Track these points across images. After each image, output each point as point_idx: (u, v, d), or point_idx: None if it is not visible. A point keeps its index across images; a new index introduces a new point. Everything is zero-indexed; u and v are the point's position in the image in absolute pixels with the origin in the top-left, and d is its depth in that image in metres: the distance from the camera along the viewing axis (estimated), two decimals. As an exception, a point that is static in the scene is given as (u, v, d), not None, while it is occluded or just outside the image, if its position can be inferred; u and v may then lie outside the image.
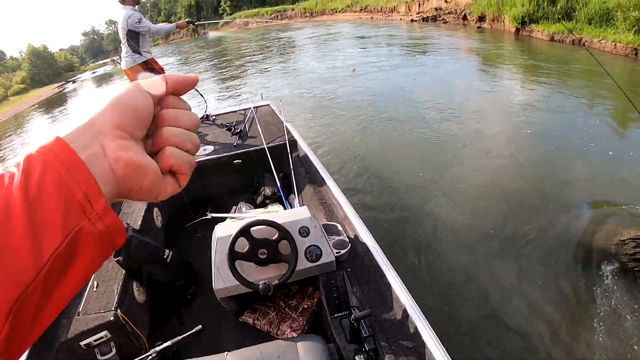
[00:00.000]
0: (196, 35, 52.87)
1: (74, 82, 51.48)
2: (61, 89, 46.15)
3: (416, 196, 5.15)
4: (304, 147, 4.02)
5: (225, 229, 2.39)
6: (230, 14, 60.77)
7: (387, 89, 10.09)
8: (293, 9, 46.89)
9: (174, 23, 5.70)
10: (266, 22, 47.72)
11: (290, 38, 28.34)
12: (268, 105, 5.59)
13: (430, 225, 4.57)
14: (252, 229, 2.24)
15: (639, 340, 3.02)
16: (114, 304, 2.53)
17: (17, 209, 0.35)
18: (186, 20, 5.99)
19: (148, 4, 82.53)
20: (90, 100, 25.44)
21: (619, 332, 3.11)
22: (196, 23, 6.58)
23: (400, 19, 26.65)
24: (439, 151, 6.25)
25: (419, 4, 25.75)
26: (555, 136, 6.24)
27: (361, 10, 34.77)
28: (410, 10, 26.63)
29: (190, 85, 0.51)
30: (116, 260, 2.83)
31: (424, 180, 5.50)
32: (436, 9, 23.36)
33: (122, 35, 5.34)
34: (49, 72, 66.02)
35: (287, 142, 4.17)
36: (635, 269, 3.49)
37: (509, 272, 3.79)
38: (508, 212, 4.62)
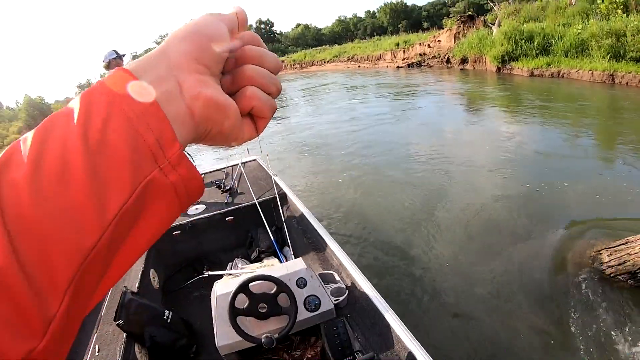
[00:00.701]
0: None
1: None
2: None
3: (408, 236, 5.17)
4: (293, 199, 4.08)
5: (224, 286, 2.43)
6: None
7: (377, 135, 10.13)
8: (283, 61, 47.37)
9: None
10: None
11: (282, 92, 28.78)
12: (255, 160, 5.65)
13: (424, 263, 4.59)
14: (250, 284, 2.26)
15: (613, 339, 3.15)
16: None
17: (76, 160, 0.30)
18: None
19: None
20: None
21: (595, 334, 3.25)
22: None
23: (387, 66, 27.28)
24: (428, 191, 6.30)
25: (404, 50, 26.50)
26: (538, 167, 6.43)
27: (348, 59, 35.63)
28: (395, 57, 27.36)
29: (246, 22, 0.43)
30: (117, 324, 2.78)
31: (415, 220, 5.52)
32: (420, 55, 23.92)
33: None
34: None
35: (276, 195, 4.18)
36: (610, 275, 3.69)
37: (501, 301, 3.85)
38: (495, 242, 4.71)
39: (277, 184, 4.40)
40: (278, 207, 4.09)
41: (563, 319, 3.43)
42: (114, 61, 5.52)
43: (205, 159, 12.69)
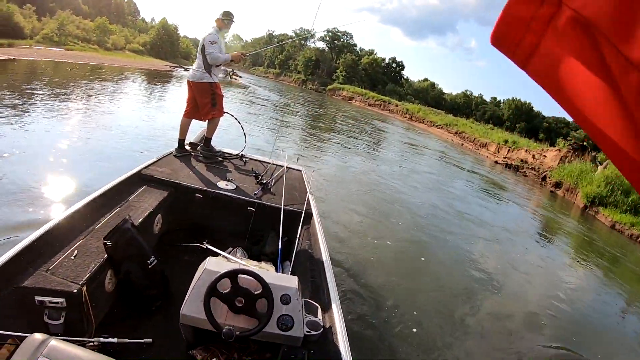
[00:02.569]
0: (230, 78, 48.70)
1: (185, 69, 54.11)
2: (172, 69, 48.22)
3: (411, 315, 5.16)
4: (317, 223, 4.13)
5: (216, 264, 2.45)
6: (342, 83, 63.32)
7: (443, 216, 9.90)
8: (397, 105, 48.10)
9: (231, 54, 5.59)
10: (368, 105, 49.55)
11: (383, 130, 29.19)
12: (300, 171, 5.78)
13: (412, 345, 4.64)
14: (240, 275, 2.31)
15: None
16: (83, 280, 2.57)
17: None
18: (241, 52, 6.02)
19: (276, 39, 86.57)
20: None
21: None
22: (247, 55, 6.44)
23: (487, 156, 27.36)
24: (467, 299, 6.12)
25: (509, 149, 26.60)
26: (585, 320, 6.50)
27: (456, 133, 35.51)
28: (498, 152, 27.47)
29: None
30: (104, 243, 2.90)
31: (423, 316, 5.33)
32: (522, 160, 24.03)
33: (199, 49, 5.48)
34: (168, 49, 68.65)
35: (303, 211, 4.23)
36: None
37: None
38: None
39: (309, 202, 4.50)
40: (299, 222, 4.08)
41: None
42: (220, 21, 5.57)
43: (251, 140, 13.04)
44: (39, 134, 9.38)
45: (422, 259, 7.01)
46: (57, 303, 2.45)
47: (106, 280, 2.90)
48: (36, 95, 13.76)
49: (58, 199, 6.26)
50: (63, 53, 37.56)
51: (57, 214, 3.15)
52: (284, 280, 2.45)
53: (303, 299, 2.55)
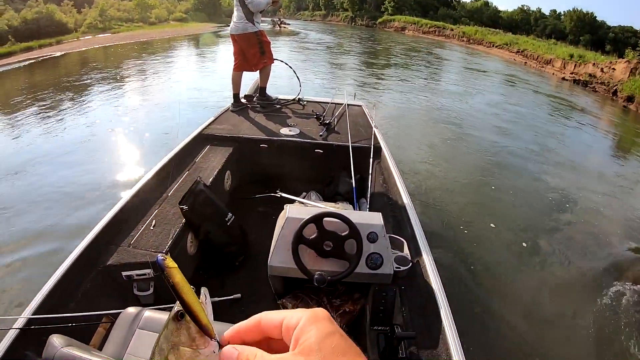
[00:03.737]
0: (278, 27, 47.46)
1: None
2: (219, 29, 48.53)
3: (495, 242, 5.21)
4: (387, 156, 4.04)
5: (297, 211, 2.41)
6: (391, 15, 61.65)
7: (509, 138, 9.69)
8: (452, 29, 46.51)
9: None
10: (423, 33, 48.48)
11: (439, 56, 28.67)
12: (360, 106, 5.69)
13: (498, 269, 4.69)
14: (325, 218, 2.26)
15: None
16: (166, 247, 2.65)
17: None
18: None
19: None
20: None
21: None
22: None
23: (553, 73, 26.49)
24: (538, 211, 6.20)
25: (575, 64, 25.73)
26: None
27: (517, 52, 34.33)
28: (564, 68, 26.55)
29: None
30: (180, 208, 2.95)
31: (512, 231, 5.49)
32: (590, 75, 23.29)
33: (236, 1, 5.35)
34: (210, 11, 68.71)
35: (372, 146, 4.14)
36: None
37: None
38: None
39: (375, 136, 4.41)
40: (369, 158, 4.01)
41: None
42: None
43: (311, 85, 13.31)
44: (107, 116, 10.14)
45: (498, 186, 6.90)
46: (144, 275, 2.56)
47: (188, 243, 3.00)
48: (98, 80, 14.90)
49: (130, 172, 6.71)
50: (111, 37, 38.70)
51: (130, 187, 3.28)
52: (369, 218, 2.40)
53: (387, 234, 2.45)
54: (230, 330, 0.49)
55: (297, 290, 2.75)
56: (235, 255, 3.32)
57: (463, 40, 43.29)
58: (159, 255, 0.45)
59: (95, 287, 2.46)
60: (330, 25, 66.09)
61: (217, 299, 2.75)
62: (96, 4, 50.57)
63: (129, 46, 29.35)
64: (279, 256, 2.35)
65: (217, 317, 1.77)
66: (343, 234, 2.26)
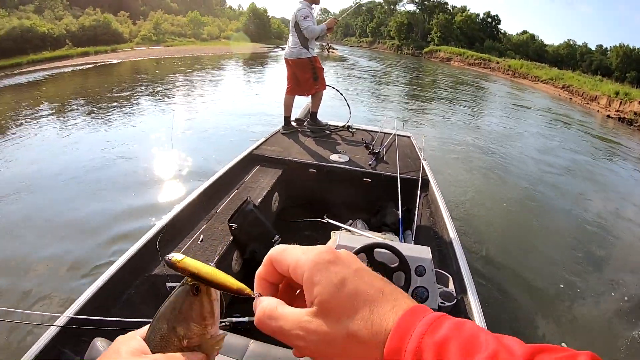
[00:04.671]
0: (327, 52, 48.70)
1: (282, 49, 55.61)
2: (269, 50, 50.02)
3: (540, 284, 4.99)
4: (435, 189, 4.00)
5: (347, 239, 2.39)
6: (437, 45, 62.50)
7: (552, 178, 9.40)
8: (498, 62, 46.72)
9: (325, 23, 5.62)
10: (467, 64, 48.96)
11: (485, 90, 28.71)
12: (409, 137, 5.69)
13: (543, 312, 4.48)
14: (375, 249, 2.23)
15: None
16: (212, 263, 2.63)
17: None
18: (333, 17, 6.09)
19: (364, 7, 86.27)
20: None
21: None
22: (338, 19, 6.40)
23: (598, 110, 26.20)
24: (584, 252, 5.91)
25: (621, 102, 25.46)
26: None
27: (563, 87, 34.03)
28: (609, 106, 26.31)
29: None
30: (229, 225, 2.97)
31: (558, 274, 5.25)
32: (635, 113, 23.06)
33: (291, 26, 5.47)
34: (261, 32, 70.28)
35: (420, 178, 4.12)
36: None
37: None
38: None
39: (423, 168, 4.35)
40: (417, 189, 4.00)
41: None
42: None
43: (359, 113, 12.90)
44: (163, 122, 10.50)
45: (543, 227, 6.69)
46: None
47: (233, 261, 3.00)
48: (151, 89, 15.80)
49: (180, 185, 6.80)
50: (164, 50, 40.67)
51: (181, 201, 3.33)
52: (418, 252, 2.37)
53: (434, 269, 2.42)
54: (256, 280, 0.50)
55: None
56: None
57: (508, 74, 43.41)
58: (166, 257, 0.47)
59: (138, 294, 2.52)
60: (376, 52, 67.27)
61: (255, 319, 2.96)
62: (151, 17, 53.26)
63: (180, 60, 30.70)
64: None
65: (254, 337, 1.96)
66: (392, 266, 2.21)
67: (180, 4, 72.52)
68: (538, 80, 38.53)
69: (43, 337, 1.93)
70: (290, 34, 5.55)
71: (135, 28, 49.43)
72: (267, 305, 0.44)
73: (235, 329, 2.37)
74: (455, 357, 0.33)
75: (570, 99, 31.31)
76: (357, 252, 2.14)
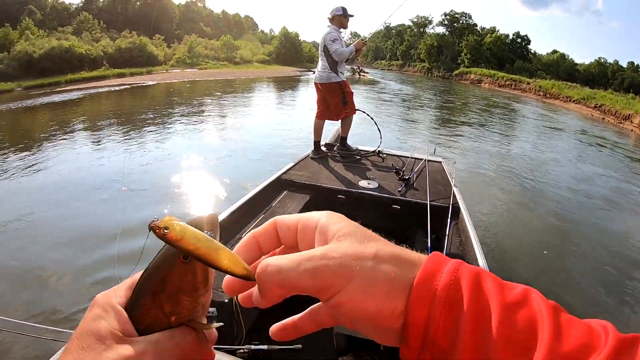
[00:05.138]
0: (358, 75, 47.98)
1: (314, 72, 55.99)
2: (301, 74, 50.49)
3: None
4: (466, 217, 3.92)
5: None
6: (467, 67, 62.85)
7: (592, 209, 9.00)
8: (529, 83, 46.66)
9: (353, 44, 5.64)
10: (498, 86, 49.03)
11: (517, 112, 28.63)
12: (440, 162, 5.57)
13: None
14: None
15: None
16: None
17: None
18: (361, 39, 6.02)
19: (394, 31, 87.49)
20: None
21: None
22: (366, 41, 6.38)
23: (632, 129, 25.83)
24: (623, 294, 5.47)
25: None
26: None
27: (595, 107, 33.59)
28: None
29: None
30: None
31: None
32: None
33: (320, 50, 5.50)
34: (292, 55, 71.61)
35: (450, 206, 4.02)
36: None
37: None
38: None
39: (454, 195, 4.28)
40: (447, 217, 3.88)
41: None
42: (338, 17, 5.54)
43: (389, 137, 12.42)
44: (193, 144, 10.84)
45: (579, 258, 6.40)
46: (209, 313, 2.36)
47: None
48: (185, 111, 16.44)
49: (207, 206, 6.84)
50: (198, 72, 42.18)
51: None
52: None
53: None
54: (247, 235, 0.46)
55: (362, 351, 2.69)
56: (303, 301, 3.03)
57: (539, 95, 43.22)
58: (152, 221, 0.38)
59: None
60: (407, 75, 67.68)
61: (277, 347, 2.66)
62: (185, 40, 55.26)
63: (213, 83, 31.62)
64: None
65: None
66: None
67: (214, 28, 74.90)
68: (570, 101, 38.14)
69: (59, 352, 1.87)
70: (319, 58, 5.60)
71: (170, 51, 51.42)
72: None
73: (253, 356, 2.42)
74: (492, 287, 0.35)
75: (603, 118, 30.94)
76: None
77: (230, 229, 3.36)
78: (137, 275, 0.44)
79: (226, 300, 2.47)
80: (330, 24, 5.53)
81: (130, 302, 0.43)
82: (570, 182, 10.83)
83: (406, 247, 0.38)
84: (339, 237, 0.38)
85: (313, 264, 0.36)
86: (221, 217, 3.38)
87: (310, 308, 0.46)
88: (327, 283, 0.36)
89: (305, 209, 3.97)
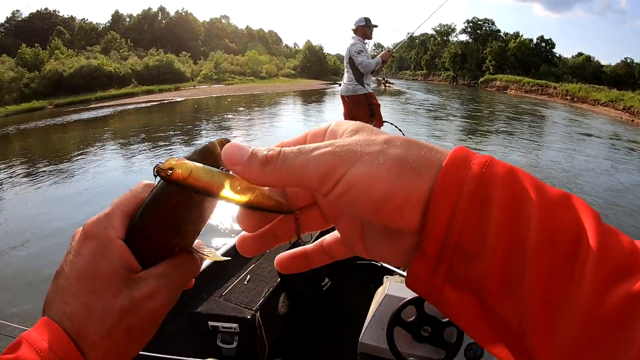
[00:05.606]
0: (383, 87, 47.57)
1: (339, 85, 56.34)
2: (327, 86, 50.77)
3: None
4: None
5: (397, 288, 2.28)
6: (493, 74, 62.61)
7: (621, 214, 8.90)
8: (555, 88, 46.21)
9: (379, 56, 5.54)
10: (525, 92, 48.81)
11: (544, 118, 28.53)
12: None
13: None
14: (426, 302, 2.06)
15: None
16: (257, 305, 2.58)
17: None
18: (388, 49, 6.01)
19: (417, 40, 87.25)
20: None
21: None
22: (393, 51, 6.29)
23: None
24: None
25: None
26: None
27: (623, 109, 32.91)
28: None
29: None
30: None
31: None
32: None
33: (346, 62, 5.43)
34: (317, 69, 72.40)
35: None
36: None
37: None
38: None
39: None
40: None
41: None
42: (362, 28, 5.49)
43: None
44: None
45: None
46: (230, 328, 2.50)
47: (279, 303, 2.89)
48: (213, 126, 17.07)
49: (229, 223, 6.87)
50: (225, 88, 43.23)
51: (229, 239, 3.03)
52: None
53: None
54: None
55: None
56: (326, 321, 3.16)
57: (567, 99, 42.51)
58: (158, 164, 0.36)
59: (178, 331, 2.49)
60: (432, 84, 67.53)
61: None
62: (211, 57, 56.72)
63: (240, 97, 32.29)
64: (372, 334, 2.26)
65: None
66: (444, 320, 2.09)
67: (239, 43, 76.49)
68: (597, 104, 37.41)
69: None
70: (345, 71, 5.57)
71: (197, 67, 53.04)
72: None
73: None
74: (530, 183, 0.30)
75: (632, 120, 30.27)
76: (407, 304, 2.09)
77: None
78: (126, 201, 0.43)
79: (249, 317, 2.49)
80: (354, 35, 5.54)
81: (129, 233, 0.42)
82: (609, 195, 10.30)
83: None
84: (349, 133, 0.36)
85: (318, 151, 0.33)
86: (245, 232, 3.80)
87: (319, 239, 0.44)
88: (331, 167, 0.32)
89: None
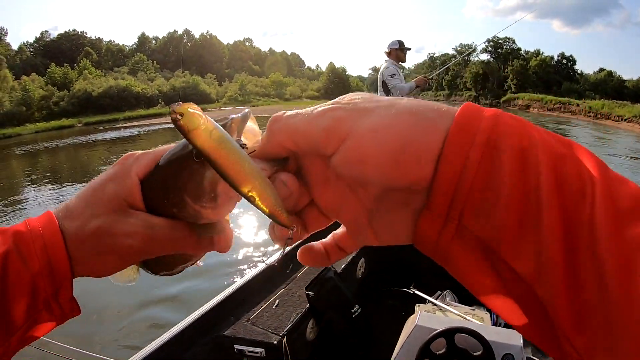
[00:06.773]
0: None
1: None
2: None
3: None
4: None
5: (428, 318, 2.19)
6: (515, 92, 62.77)
7: None
8: (578, 105, 45.91)
9: (414, 80, 5.46)
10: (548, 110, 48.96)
11: (567, 135, 27.39)
12: None
13: None
14: (457, 333, 1.98)
15: None
16: (285, 330, 2.57)
17: None
18: (423, 75, 5.84)
19: (438, 60, 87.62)
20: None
21: None
22: (429, 77, 6.16)
23: None
24: None
25: None
26: None
27: None
28: None
29: None
30: (306, 293, 2.84)
31: None
32: None
33: (379, 85, 5.38)
34: (341, 90, 69.20)
35: None
36: None
37: None
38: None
39: None
40: None
41: None
42: (395, 51, 5.47)
43: None
44: None
45: None
46: (256, 353, 2.51)
47: (307, 329, 2.86)
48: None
49: (258, 247, 6.95)
50: (251, 110, 44.74)
51: (259, 264, 3.15)
52: (506, 336, 2.00)
53: (526, 356, 2.04)
54: None
55: None
56: (355, 349, 3.10)
57: (590, 116, 42.14)
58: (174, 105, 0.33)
59: (204, 353, 2.52)
60: (453, 104, 66.23)
61: None
62: (236, 79, 58.32)
63: (266, 119, 34.22)
64: None
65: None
66: (475, 354, 1.96)
67: (262, 66, 78.35)
68: (622, 120, 36.91)
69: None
70: (377, 93, 5.20)
71: (222, 89, 54.64)
72: None
73: None
74: (544, 132, 0.30)
75: None
76: (436, 336, 2.01)
77: (286, 266, 3.36)
78: (164, 150, 0.44)
79: (275, 342, 2.47)
80: (387, 58, 5.55)
81: (146, 178, 0.43)
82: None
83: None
84: (353, 95, 0.35)
85: (324, 106, 0.33)
86: (275, 256, 3.74)
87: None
88: (337, 119, 0.32)
89: (365, 247, 3.47)
